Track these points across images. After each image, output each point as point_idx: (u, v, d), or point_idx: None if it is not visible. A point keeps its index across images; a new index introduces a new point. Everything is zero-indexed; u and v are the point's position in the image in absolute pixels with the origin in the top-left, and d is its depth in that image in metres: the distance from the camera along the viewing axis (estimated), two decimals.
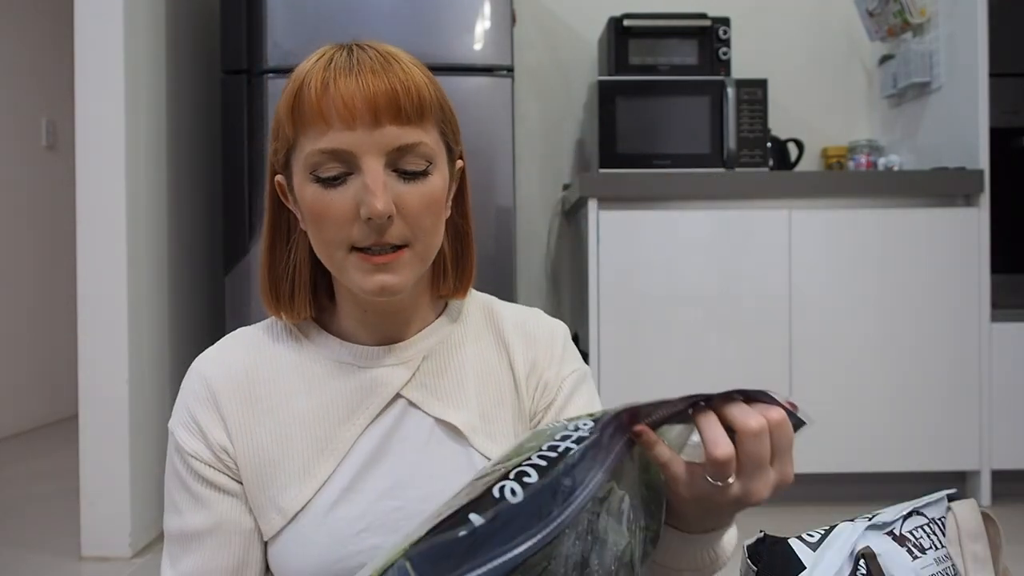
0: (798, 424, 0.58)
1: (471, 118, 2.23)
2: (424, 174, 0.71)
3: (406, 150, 0.69)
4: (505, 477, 0.51)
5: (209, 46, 2.58)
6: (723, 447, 0.54)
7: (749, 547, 0.73)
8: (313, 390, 0.76)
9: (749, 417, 0.55)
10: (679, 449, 0.59)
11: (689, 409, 0.56)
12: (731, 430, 0.55)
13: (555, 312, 3.00)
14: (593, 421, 0.55)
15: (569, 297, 2.97)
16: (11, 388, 3.53)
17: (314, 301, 0.79)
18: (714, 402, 0.56)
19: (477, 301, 0.86)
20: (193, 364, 0.79)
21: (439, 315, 0.82)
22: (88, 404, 2.04)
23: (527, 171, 3.01)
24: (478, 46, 2.24)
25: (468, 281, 0.83)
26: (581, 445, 0.53)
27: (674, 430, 0.59)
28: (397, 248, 0.70)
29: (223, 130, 2.26)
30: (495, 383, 0.80)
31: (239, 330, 0.82)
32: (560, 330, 0.85)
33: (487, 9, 2.24)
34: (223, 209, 2.26)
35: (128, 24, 2.06)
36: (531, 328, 0.84)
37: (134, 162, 2.08)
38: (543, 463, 0.52)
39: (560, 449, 0.53)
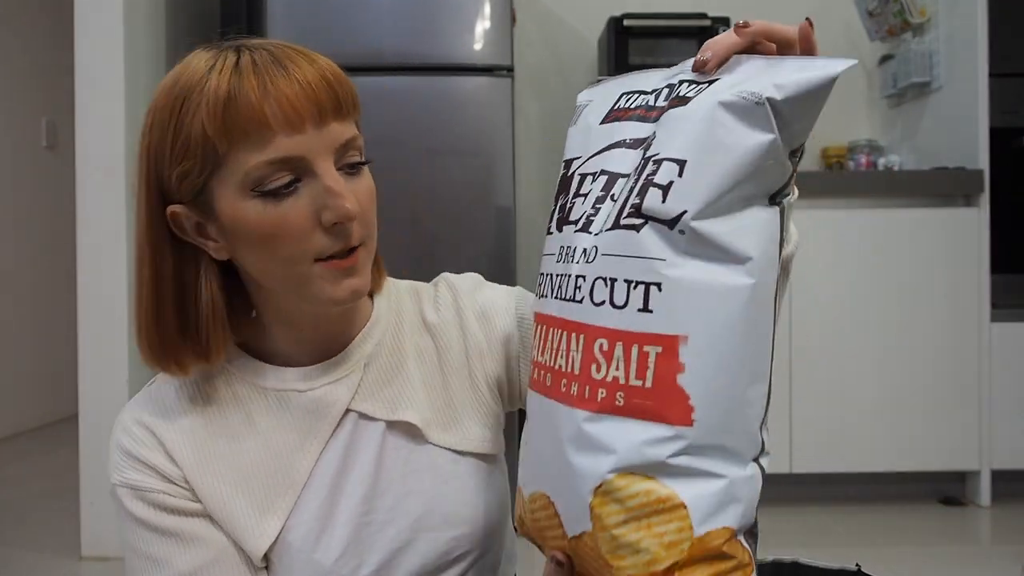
0: None
1: (471, 118, 2.23)
2: (363, 165, 0.68)
3: (349, 145, 0.66)
4: None
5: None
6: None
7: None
8: (258, 425, 0.71)
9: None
10: None
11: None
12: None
13: None
14: None
15: None
16: (11, 388, 3.53)
17: (232, 330, 0.70)
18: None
19: (400, 289, 0.81)
20: (121, 417, 0.71)
21: (368, 318, 0.77)
22: (88, 404, 2.03)
23: (527, 171, 3.01)
24: (478, 46, 2.24)
25: (382, 270, 0.78)
26: None
27: None
28: (354, 249, 0.66)
29: None
30: (440, 366, 0.76)
31: (159, 377, 0.73)
32: (473, 275, 0.82)
33: (487, 9, 2.23)
34: None
35: (128, 24, 2.06)
36: (452, 281, 0.80)
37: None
38: None
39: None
